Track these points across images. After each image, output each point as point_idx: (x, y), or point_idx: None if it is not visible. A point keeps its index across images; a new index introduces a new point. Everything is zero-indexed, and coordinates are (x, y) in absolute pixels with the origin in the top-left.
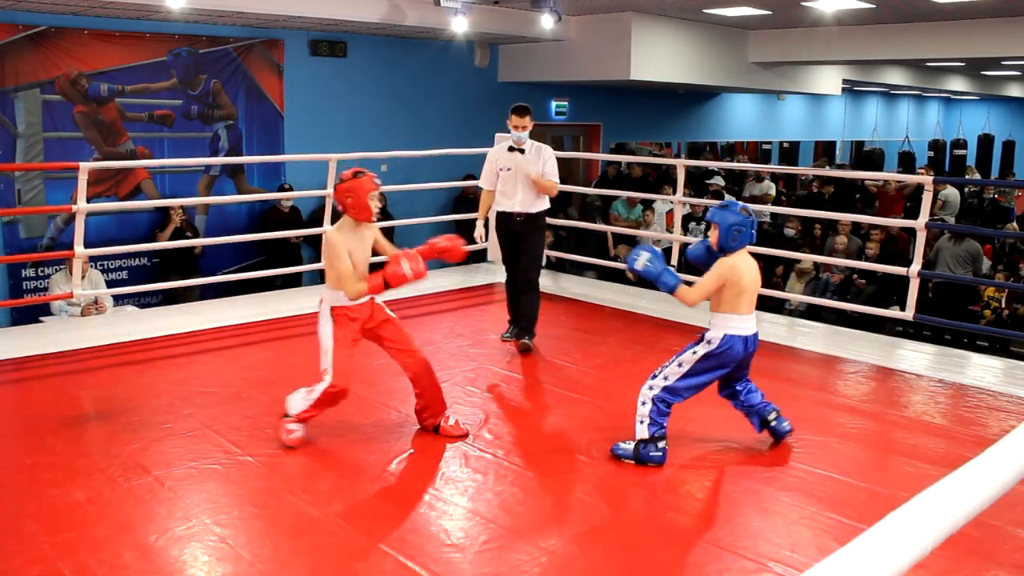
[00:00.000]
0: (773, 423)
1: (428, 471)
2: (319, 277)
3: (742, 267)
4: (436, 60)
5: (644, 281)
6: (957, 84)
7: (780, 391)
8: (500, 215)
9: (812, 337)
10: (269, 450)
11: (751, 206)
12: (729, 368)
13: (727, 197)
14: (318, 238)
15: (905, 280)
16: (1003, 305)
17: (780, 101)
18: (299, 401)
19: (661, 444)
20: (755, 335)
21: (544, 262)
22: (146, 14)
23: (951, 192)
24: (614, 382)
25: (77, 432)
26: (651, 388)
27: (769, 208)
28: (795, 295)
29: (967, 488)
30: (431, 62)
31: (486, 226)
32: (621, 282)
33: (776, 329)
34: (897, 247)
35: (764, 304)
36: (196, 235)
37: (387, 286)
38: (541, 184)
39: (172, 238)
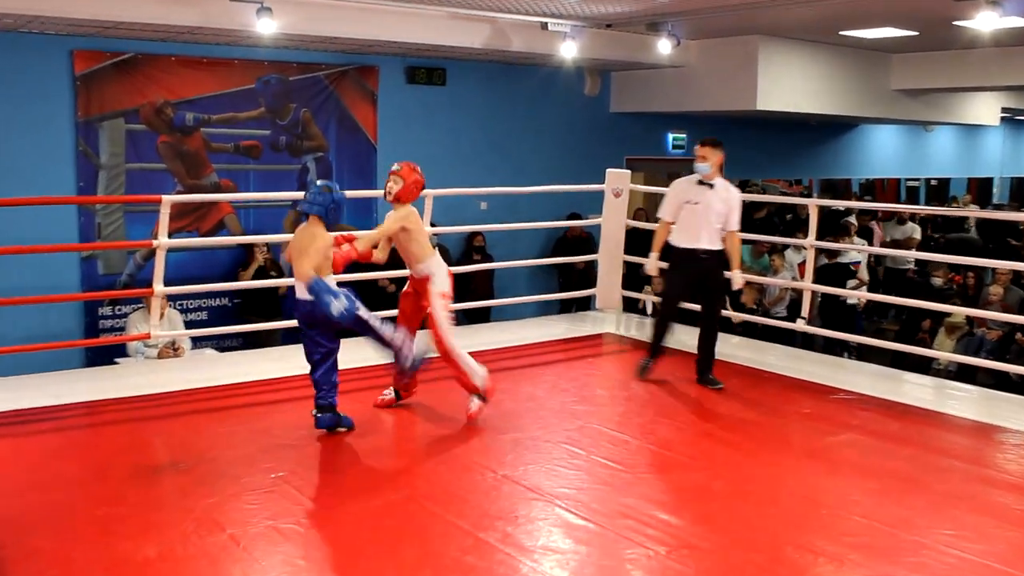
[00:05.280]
0: None
1: (529, 538)
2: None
3: None
4: (542, 88)
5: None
6: None
7: (928, 463)
8: (679, 251)
9: (965, 402)
10: (355, 510)
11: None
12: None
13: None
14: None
15: None
16: None
17: (927, 133)
18: None
19: None
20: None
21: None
22: (235, 40)
23: None
24: (731, 450)
25: (151, 482)
26: None
27: (913, 254)
28: (944, 353)
29: None
30: (537, 90)
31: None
32: (746, 335)
33: (922, 392)
34: None
35: (909, 363)
36: (280, 274)
37: None
38: (732, 241)
39: (255, 277)
